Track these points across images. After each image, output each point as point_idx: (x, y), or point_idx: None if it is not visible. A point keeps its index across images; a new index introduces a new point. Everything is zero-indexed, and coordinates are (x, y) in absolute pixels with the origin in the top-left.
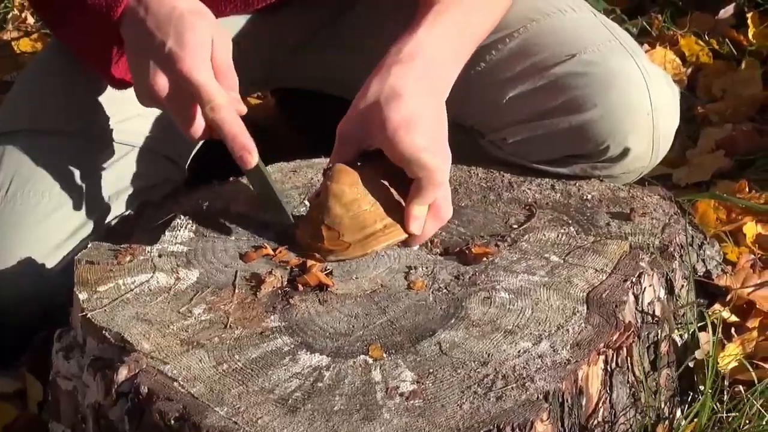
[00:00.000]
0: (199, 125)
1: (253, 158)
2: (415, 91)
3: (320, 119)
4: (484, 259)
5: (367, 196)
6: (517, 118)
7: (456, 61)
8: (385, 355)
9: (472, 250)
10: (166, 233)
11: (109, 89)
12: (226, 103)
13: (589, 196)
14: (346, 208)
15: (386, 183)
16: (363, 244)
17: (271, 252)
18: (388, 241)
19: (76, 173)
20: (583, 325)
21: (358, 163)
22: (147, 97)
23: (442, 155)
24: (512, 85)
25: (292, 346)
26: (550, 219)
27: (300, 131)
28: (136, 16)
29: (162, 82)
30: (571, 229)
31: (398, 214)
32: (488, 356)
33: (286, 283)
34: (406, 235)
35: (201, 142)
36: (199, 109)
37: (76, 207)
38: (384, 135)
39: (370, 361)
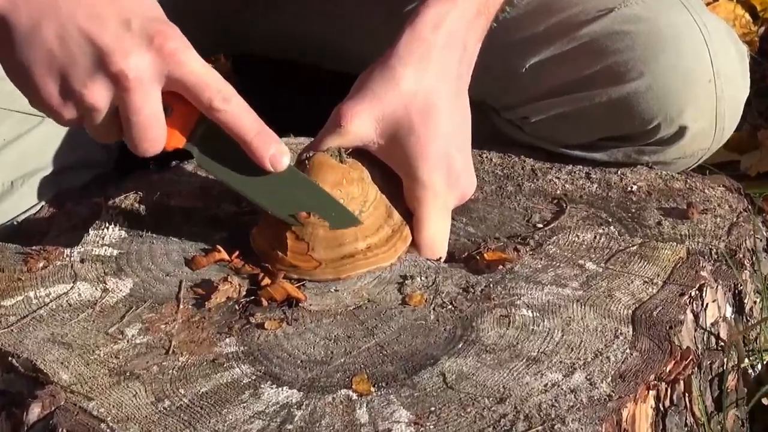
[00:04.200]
0: (162, 134)
1: (287, 156)
2: (449, 102)
3: (285, 88)
4: (501, 266)
5: (351, 204)
6: (540, 91)
7: (480, 38)
8: (373, 389)
9: (485, 255)
10: (90, 232)
11: None
12: (236, 93)
13: (635, 188)
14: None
15: (377, 186)
16: (337, 267)
17: (227, 257)
18: (370, 267)
19: None
20: (627, 351)
21: (345, 155)
22: (70, 109)
23: (467, 182)
24: (533, 49)
25: (254, 377)
26: (585, 216)
27: (260, 102)
28: None
29: (104, 92)
30: (612, 229)
31: (388, 231)
32: (506, 391)
33: (244, 294)
34: (392, 263)
35: None
36: (158, 115)
37: None
38: (405, 158)
39: (354, 396)
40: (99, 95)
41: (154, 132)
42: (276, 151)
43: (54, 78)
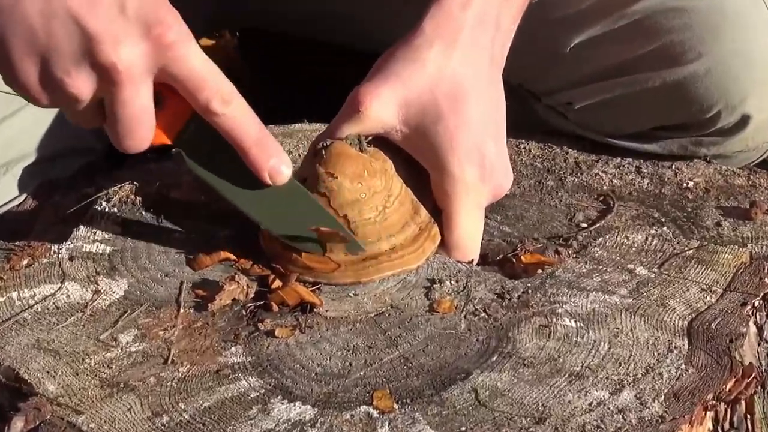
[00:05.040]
0: (150, 131)
1: (287, 170)
2: (480, 86)
3: (296, 67)
4: (540, 270)
5: (374, 199)
6: (585, 74)
7: (516, 16)
8: (396, 405)
9: (523, 258)
10: (81, 227)
11: None
12: (238, 93)
13: (691, 184)
14: (342, 213)
15: (402, 179)
16: (357, 269)
17: (233, 256)
18: (394, 270)
19: None
20: (682, 367)
21: (366, 143)
22: (49, 95)
23: (502, 175)
24: (578, 27)
25: (263, 391)
26: (635, 215)
27: (268, 82)
28: None
29: (89, 82)
30: (666, 229)
31: (415, 229)
32: (546, 410)
33: (252, 297)
34: (419, 264)
35: None
36: (147, 111)
37: None
38: (432, 148)
39: (375, 414)
40: (82, 85)
41: (142, 129)
42: (276, 163)
43: (33, 59)
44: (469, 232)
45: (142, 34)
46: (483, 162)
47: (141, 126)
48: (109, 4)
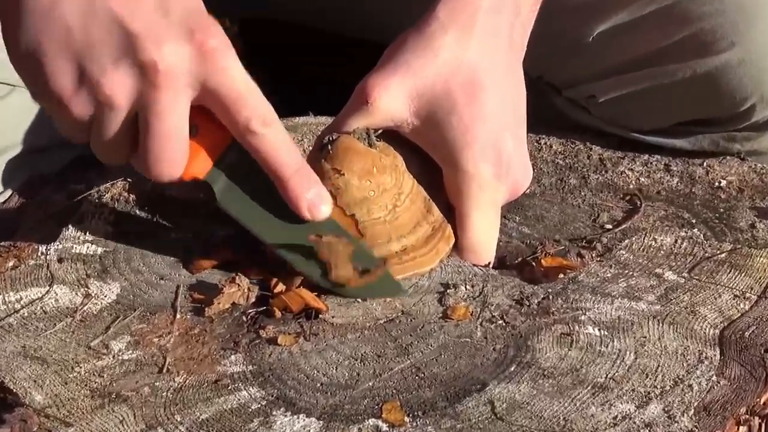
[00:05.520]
0: (183, 155)
1: (327, 204)
2: (499, 76)
3: (301, 58)
4: (562, 275)
5: (383, 197)
6: (610, 65)
7: (537, 3)
8: (407, 418)
9: (543, 261)
10: (70, 226)
11: None
12: (277, 117)
13: (724, 183)
14: (350, 212)
15: (413, 175)
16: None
17: (233, 258)
18: (406, 273)
19: None
20: (714, 378)
21: (375, 137)
22: (82, 101)
23: (521, 172)
24: (602, 13)
25: (264, 402)
26: (664, 216)
27: (271, 72)
28: None
29: (127, 85)
30: (696, 231)
31: (427, 229)
32: (567, 424)
33: (254, 302)
34: (432, 267)
35: None
36: (183, 129)
37: None
38: (445, 142)
39: (385, 427)
40: (120, 87)
41: (176, 149)
42: (316, 196)
43: (69, 61)
44: (484, 233)
45: (186, 38)
46: (500, 158)
47: (174, 146)
48: (154, 6)
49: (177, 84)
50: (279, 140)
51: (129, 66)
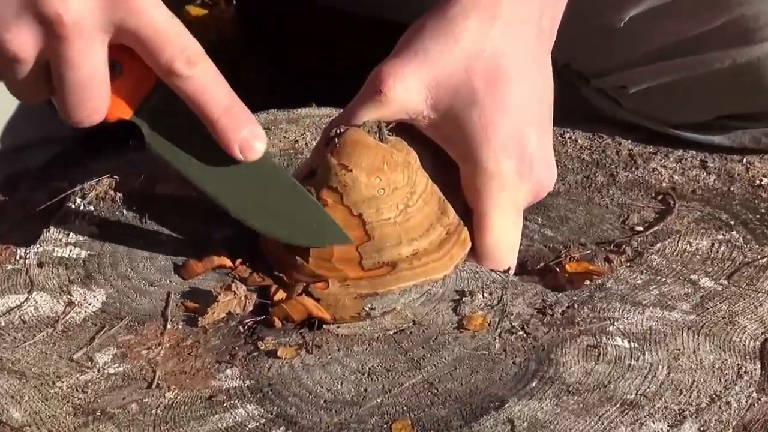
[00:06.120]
0: (104, 100)
1: (262, 143)
2: (524, 65)
3: (304, 41)
4: (588, 281)
5: (394, 196)
6: (642, 53)
7: None
8: None
9: (568, 266)
10: (51, 228)
11: None
12: (206, 55)
13: (765, 181)
14: (357, 211)
15: (427, 174)
16: (374, 279)
17: (229, 262)
18: (416, 280)
19: None
20: (754, 395)
21: (387, 131)
22: None
23: (545, 171)
24: None
25: (263, 420)
26: (700, 218)
27: (272, 56)
28: None
29: (32, 39)
30: (735, 234)
31: (441, 232)
32: None
33: (251, 311)
34: (446, 274)
35: None
36: (101, 75)
37: None
38: (464, 137)
39: None
40: (25, 42)
41: (95, 97)
42: (249, 135)
43: None
44: (505, 236)
45: None
46: (522, 154)
47: (93, 93)
48: None
49: (86, 34)
50: (206, 79)
51: (32, 20)
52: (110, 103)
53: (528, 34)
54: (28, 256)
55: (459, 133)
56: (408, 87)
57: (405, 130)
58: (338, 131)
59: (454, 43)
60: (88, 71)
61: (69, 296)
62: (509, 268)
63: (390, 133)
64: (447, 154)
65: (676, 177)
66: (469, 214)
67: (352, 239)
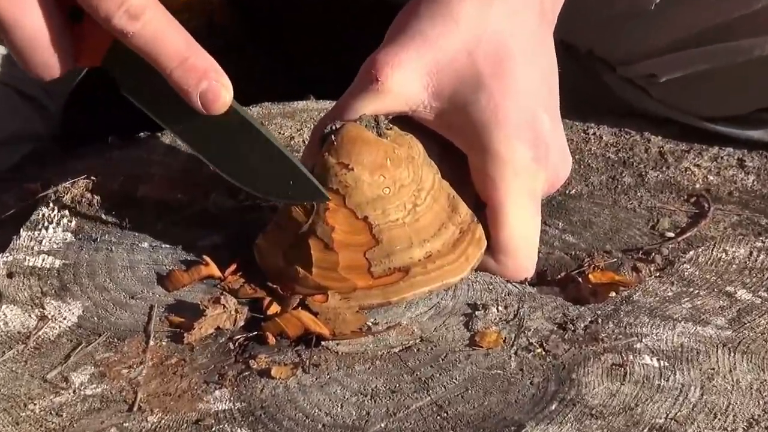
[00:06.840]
0: (53, 55)
1: (226, 94)
2: (529, 46)
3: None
4: (613, 293)
5: (401, 194)
6: (673, 39)
7: None
8: None
9: (591, 276)
10: (23, 233)
11: None
12: (152, 5)
13: None
14: (362, 214)
15: (435, 165)
16: (385, 287)
17: (218, 272)
18: (432, 285)
19: None
20: None
21: (386, 124)
22: None
23: (559, 158)
24: None
25: None
26: (737, 222)
27: (271, 50)
28: None
29: None
30: None
31: (454, 231)
32: None
33: (243, 326)
34: (463, 277)
35: (83, 73)
36: (43, 31)
37: None
38: (471, 124)
39: None
40: None
41: (42, 53)
42: (210, 86)
43: None
44: (523, 229)
45: None
46: (537, 139)
47: (39, 50)
48: None
49: None
50: (153, 31)
51: None
52: (77, 50)
53: (529, 14)
54: None
55: (466, 121)
56: (406, 75)
57: (405, 122)
58: (334, 127)
59: (454, 25)
60: (27, 33)
61: (42, 310)
62: (526, 278)
63: (388, 127)
64: (452, 146)
65: (711, 177)
66: (482, 210)
67: (329, 197)
